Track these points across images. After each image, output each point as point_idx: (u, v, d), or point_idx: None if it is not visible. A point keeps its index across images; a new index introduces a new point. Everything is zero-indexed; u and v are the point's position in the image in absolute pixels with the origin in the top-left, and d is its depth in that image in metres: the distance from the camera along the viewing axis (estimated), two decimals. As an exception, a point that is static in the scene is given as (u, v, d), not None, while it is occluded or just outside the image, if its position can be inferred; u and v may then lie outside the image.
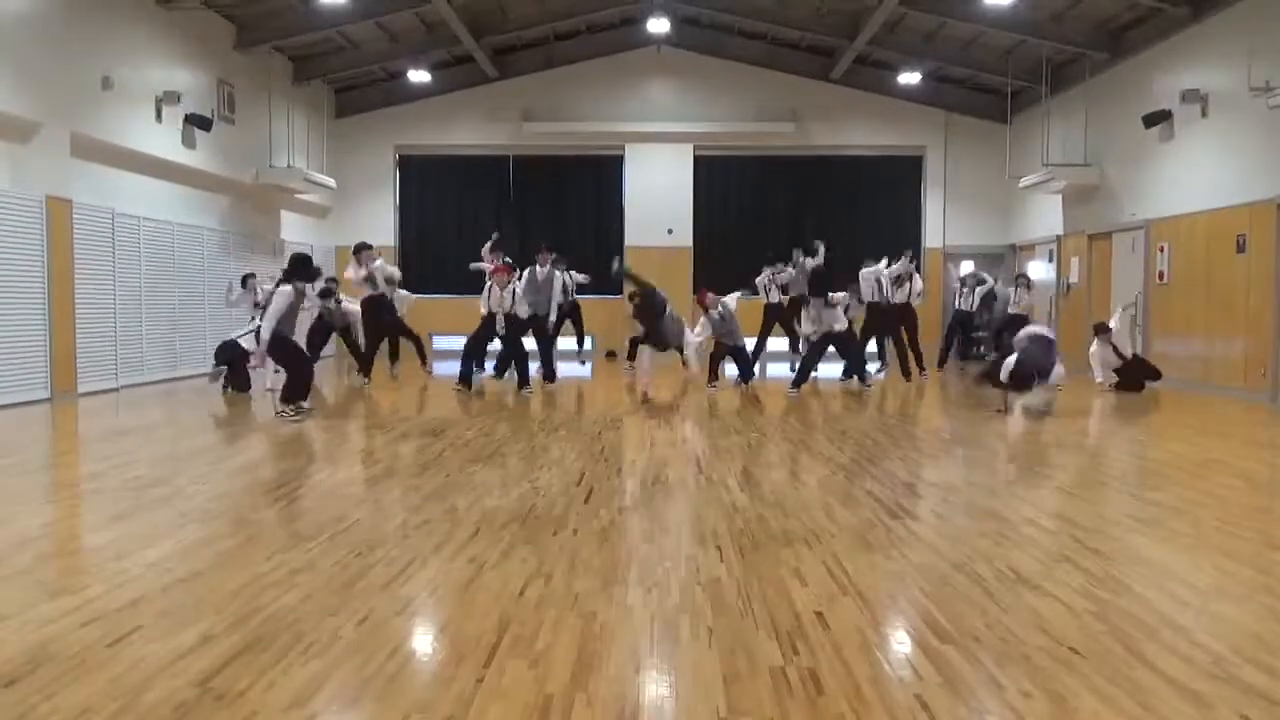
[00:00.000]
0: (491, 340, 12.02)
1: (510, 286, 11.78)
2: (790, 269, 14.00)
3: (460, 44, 16.04)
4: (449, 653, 3.18)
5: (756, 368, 13.12)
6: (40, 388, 10.18)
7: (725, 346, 11.94)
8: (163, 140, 12.56)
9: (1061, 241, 15.93)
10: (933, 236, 18.38)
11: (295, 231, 16.82)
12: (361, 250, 12.42)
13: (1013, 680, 2.93)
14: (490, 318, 11.74)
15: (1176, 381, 11.85)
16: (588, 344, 15.07)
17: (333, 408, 10.63)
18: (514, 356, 12.01)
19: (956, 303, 15.04)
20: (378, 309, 12.53)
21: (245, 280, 12.18)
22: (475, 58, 16.82)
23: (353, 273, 12.35)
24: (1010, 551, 4.41)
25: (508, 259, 12.64)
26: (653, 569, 4.09)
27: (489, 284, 11.85)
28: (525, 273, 13.03)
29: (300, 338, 10.17)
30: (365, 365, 12.39)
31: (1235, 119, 11.25)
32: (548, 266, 13.50)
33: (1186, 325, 12.08)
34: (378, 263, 12.52)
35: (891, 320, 13.47)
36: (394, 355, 13.31)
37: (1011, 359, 9.52)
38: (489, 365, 12.82)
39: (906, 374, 13.17)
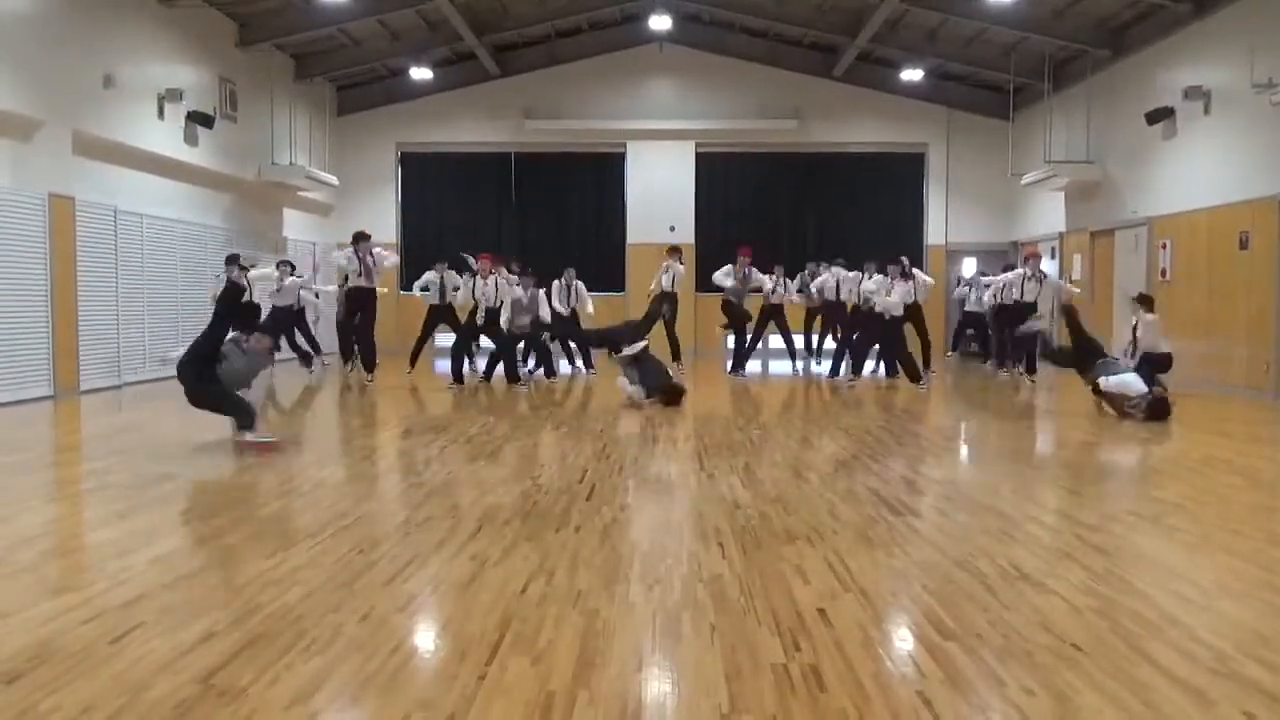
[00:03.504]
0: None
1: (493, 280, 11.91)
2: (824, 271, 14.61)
3: (462, 41, 16.04)
4: (451, 650, 3.18)
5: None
6: (43, 385, 10.19)
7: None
8: (165, 138, 12.57)
9: (1064, 239, 15.91)
10: (935, 234, 18.37)
11: (297, 229, 16.83)
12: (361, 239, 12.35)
13: (1015, 677, 2.93)
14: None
15: (1179, 379, 11.82)
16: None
17: (334, 405, 10.64)
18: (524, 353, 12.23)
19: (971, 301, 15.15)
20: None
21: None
22: (477, 55, 16.82)
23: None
24: (1012, 548, 4.40)
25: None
26: (655, 566, 4.09)
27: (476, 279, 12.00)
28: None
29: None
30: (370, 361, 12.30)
31: (1238, 116, 11.23)
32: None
33: (1189, 323, 12.06)
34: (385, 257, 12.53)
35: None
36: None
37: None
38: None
39: (895, 374, 13.27)
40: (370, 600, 3.62)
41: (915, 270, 12.72)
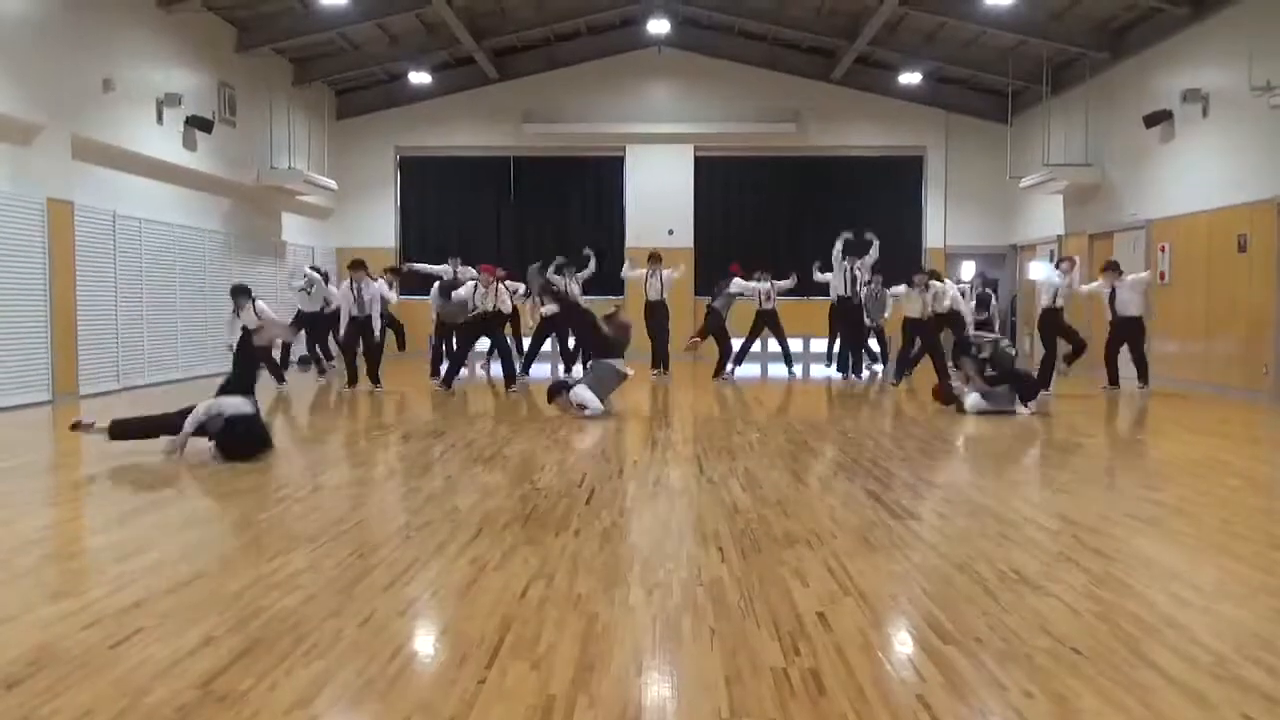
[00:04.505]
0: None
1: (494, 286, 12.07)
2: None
3: (460, 45, 16.06)
4: (451, 654, 3.18)
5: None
6: (42, 390, 10.19)
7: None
8: (164, 142, 12.57)
9: (1062, 242, 15.92)
10: (934, 237, 18.39)
11: (296, 233, 16.82)
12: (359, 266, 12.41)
13: (1015, 681, 2.93)
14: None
15: (1178, 381, 11.84)
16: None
17: (333, 409, 10.64)
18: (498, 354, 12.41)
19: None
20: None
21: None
22: (476, 59, 16.84)
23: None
24: (1012, 552, 4.40)
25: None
26: (654, 570, 4.09)
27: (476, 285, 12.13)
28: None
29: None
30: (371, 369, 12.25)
31: (1236, 119, 11.24)
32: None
33: (1187, 325, 12.08)
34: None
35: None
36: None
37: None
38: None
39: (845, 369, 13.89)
40: (370, 604, 3.62)
41: (936, 282, 12.74)
